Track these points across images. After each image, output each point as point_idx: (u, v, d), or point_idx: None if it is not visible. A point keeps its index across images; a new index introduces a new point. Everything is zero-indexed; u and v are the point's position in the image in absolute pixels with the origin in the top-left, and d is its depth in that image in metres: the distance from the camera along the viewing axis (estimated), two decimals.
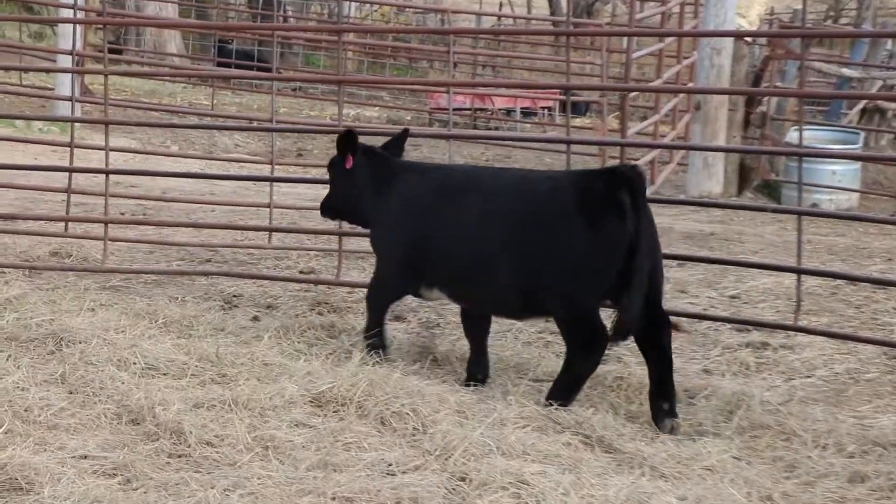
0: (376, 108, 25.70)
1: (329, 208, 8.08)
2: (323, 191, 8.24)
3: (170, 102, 24.21)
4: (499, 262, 7.08)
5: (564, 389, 6.93)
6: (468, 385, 7.29)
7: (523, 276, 7.01)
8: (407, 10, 32.05)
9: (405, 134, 8.23)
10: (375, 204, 7.71)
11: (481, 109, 24.48)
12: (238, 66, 25.59)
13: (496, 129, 23.72)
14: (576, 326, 6.92)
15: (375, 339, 7.59)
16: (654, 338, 6.87)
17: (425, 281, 7.45)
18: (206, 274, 9.93)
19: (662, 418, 6.80)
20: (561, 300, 6.92)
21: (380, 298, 7.71)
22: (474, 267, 7.20)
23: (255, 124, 16.88)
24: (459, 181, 7.52)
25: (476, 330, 7.58)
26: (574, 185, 7.02)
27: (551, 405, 6.77)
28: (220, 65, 24.99)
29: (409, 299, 8.41)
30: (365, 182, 7.77)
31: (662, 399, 6.84)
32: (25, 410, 6.22)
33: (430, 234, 7.37)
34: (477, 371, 7.49)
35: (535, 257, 6.97)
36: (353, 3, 30.62)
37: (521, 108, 24.83)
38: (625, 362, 7.89)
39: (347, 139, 7.83)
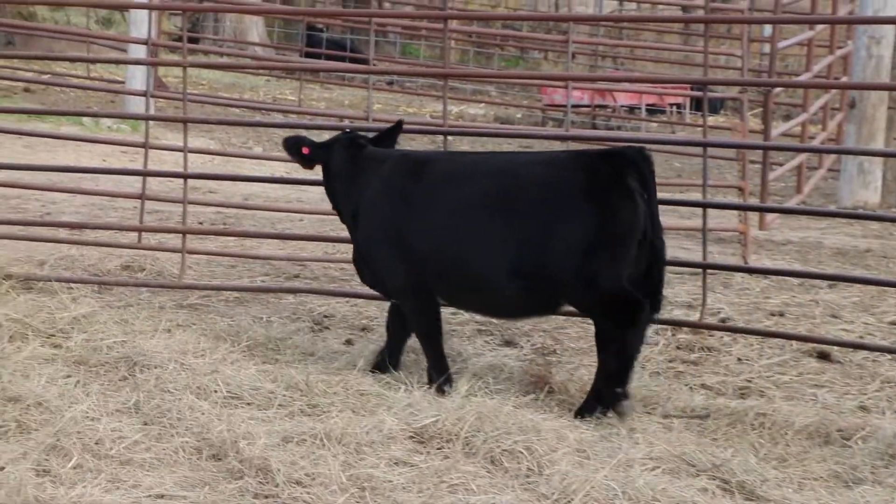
0: (482, 105, 25.75)
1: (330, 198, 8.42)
2: None
3: (252, 97, 24.51)
4: (501, 255, 7.37)
5: (618, 371, 7.28)
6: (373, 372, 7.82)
7: (533, 267, 7.33)
8: None
9: (399, 126, 8.41)
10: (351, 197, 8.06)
11: (601, 106, 24.40)
12: (329, 58, 25.76)
13: (618, 128, 23.64)
14: (610, 305, 7.27)
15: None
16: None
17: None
18: (293, 291, 10.01)
19: (619, 401, 7.23)
20: (585, 285, 7.25)
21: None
22: (472, 263, 7.47)
23: (347, 122, 17.00)
24: (451, 169, 7.80)
25: (399, 326, 8.01)
26: (581, 167, 7.41)
27: (614, 393, 7.19)
28: (308, 55, 25.21)
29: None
30: (338, 173, 8.13)
31: (620, 384, 7.28)
32: (96, 443, 6.32)
33: (421, 230, 7.64)
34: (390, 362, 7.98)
35: (546, 245, 7.27)
36: None
37: (647, 105, 24.72)
38: (768, 396, 7.82)
39: (288, 144, 8.25)
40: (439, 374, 7.70)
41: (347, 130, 8.29)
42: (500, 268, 7.39)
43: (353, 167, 8.04)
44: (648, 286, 7.37)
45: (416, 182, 7.76)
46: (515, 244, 7.38)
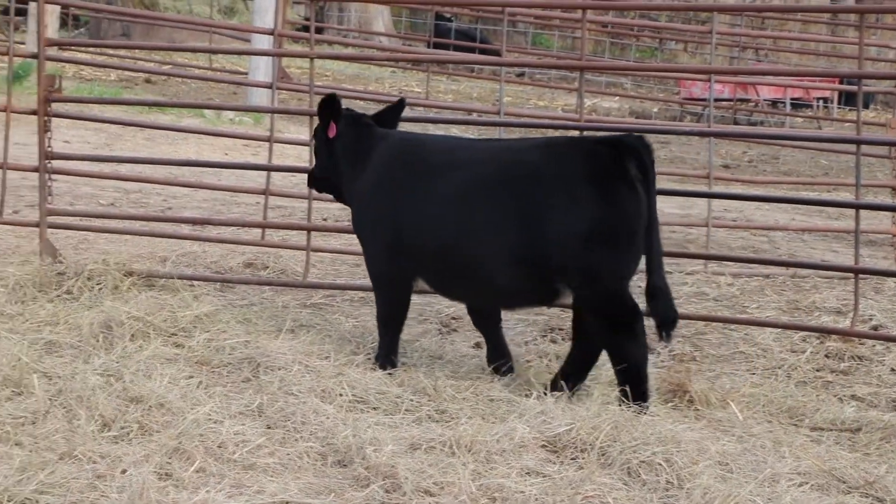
0: (616, 98, 25.62)
1: (316, 180, 8.55)
2: None
3: (377, 89, 24.63)
4: (500, 242, 7.45)
5: (637, 387, 7.28)
6: (495, 375, 7.86)
7: (533, 254, 7.38)
8: None
9: (401, 104, 8.52)
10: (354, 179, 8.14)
11: (743, 100, 24.13)
12: (457, 48, 25.79)
13: (760, 123, 23.36)
14: (607, 304, 7.30)
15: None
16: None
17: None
18: (421, 292, 10.00)
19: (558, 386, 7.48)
20: (582, 277, 7.29)
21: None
22: (470, 250, 7.54)
23: (475, 116, 17.01)
24: (456, 153, 7.83)
25: (485, 320, 8.12)
26: (582, 154, 7.47)
27: (642, 395, 7.26)
28: (436, 46, 25.28)
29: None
30: (344, 153, 8.19)
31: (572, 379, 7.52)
32: (219, 447, 6.37)
33: (414, 215, 7.74)
34: (497, 361, 7.99)
35: (548, 232, 7.34)
36: None
37: (791, 99, 24.39)
38: None
39: (329, 105, 8.23)
40: (386, 359, 7.92)
41: (347, 109, 8.33)
42: (498, 255, 7.47)
43: (361, 146, 8.15)
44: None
45: (415, 165, 7.87)
46: (514, 231, 7.43)
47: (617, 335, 7.31)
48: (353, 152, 8.14)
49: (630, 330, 7.28)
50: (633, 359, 7.28)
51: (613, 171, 7.32)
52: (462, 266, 7.61)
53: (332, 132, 8.22)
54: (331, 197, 8.69)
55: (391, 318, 8.02)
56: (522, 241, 7.39)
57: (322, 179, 8.45)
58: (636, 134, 7.77)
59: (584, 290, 7.38)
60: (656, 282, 7.30)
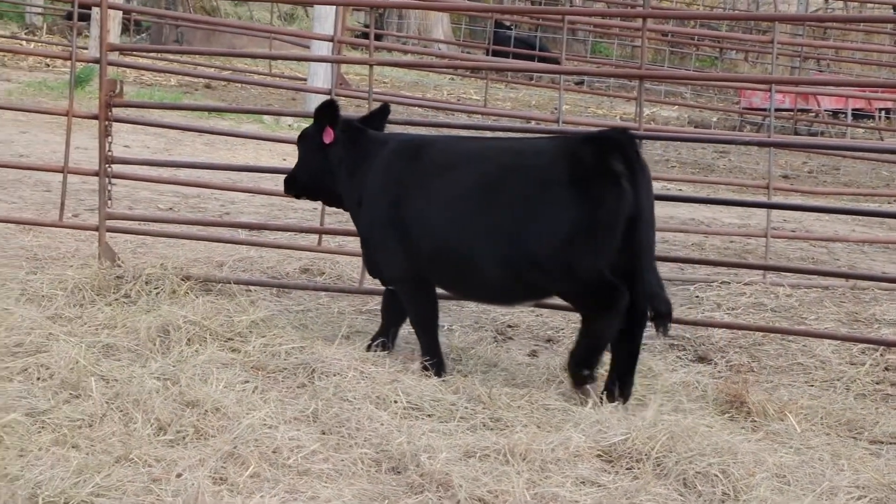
0: (675, 108, 25.53)
1: (296, 184, 8.59)
2: None
3: (435, 96, 24.67)
4: (486, 239, 7.64)
5: (587, 352, 7.54)
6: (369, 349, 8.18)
7: (517, 252, 7.56)
8: None
9: (386, 108, 8.64)
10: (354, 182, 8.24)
11: (803, 110, 23.97)
12: (516, 56, 25.77)
13: (821, 133, 23.20)
14: (588, 294, 7.47)
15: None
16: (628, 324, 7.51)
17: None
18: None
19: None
20: (560, 275, 7.47)
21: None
22: (464, 250, 7.71)
23: (533, 124, 16.99)
24: (446, 154, 8.00)
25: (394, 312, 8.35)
26: (563, 154, 7.59)
27: (579, 374, 7.52)
28: (495, 53, 25.28)
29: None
30: (344, 158, 8.27)
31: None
32: (274, 452, 6.38)
33: (413, 213, 7.88)
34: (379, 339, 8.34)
35: (528, 230, 7.52)
36: None
37: (853, 110, 24.21)
38: None
39: (328, 110, 8.32)
40: (433, 360, 7.93)
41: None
42: (488, 254, 7.64)
43: (362, 150, 8.24)
44: (633, 273, 7.48)
45: (413, 167, 8.00)
46: (501, 230, 7.61)
47: (596, 310, 7.47)
48: (354, 157, 8.26)
49: (608, 308, 7.42)
50: (599, 335, 7.51)
51: (595, 169, 7.47)
52: (460, 264, 7.78)
53: (329, 137, 8.31)
54: None
55: (425, 318, 8.10)
56: (510, 239, 7.57)
57: (309, 185, 8.53)
58: (621, 128, 8.02)
59: (563, 288, 7.61)
60: (646, 276, 7.48)
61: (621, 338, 7.55)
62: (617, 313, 7.41)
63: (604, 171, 7.44)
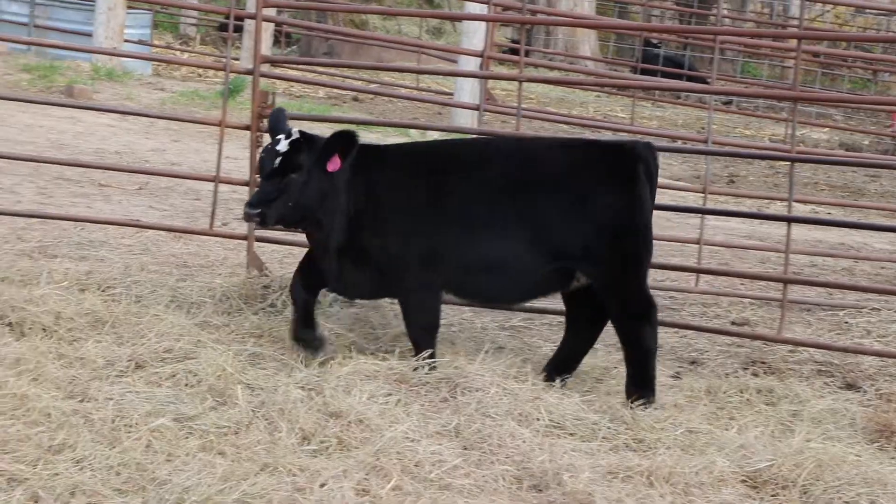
0: (825, 130, 25.16)
1: (275, 215, 7.94)
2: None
3: (580, 113, 24.60)
4: (523, 242, 7.89)
5: (644, 377, 7.82)
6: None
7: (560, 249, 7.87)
8: (867, 11, 31.26)
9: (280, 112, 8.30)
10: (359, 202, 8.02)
11: None
12: (664, 75, 25.61)
13: None
14: (631, 297, 7.86)
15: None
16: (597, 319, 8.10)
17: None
18: None
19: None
20: (609, 269, 7.85)
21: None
22: (501, 250, 7.89)
23: (680, 144, 16.87)
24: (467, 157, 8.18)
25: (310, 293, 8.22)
26: (600, 155, 8.09)
27: (641, 402, 7.61)
28: (643, 71, 25.15)
29: None
30: (350, 182, 8.02)
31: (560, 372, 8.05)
32: (416, 465, 6.40)
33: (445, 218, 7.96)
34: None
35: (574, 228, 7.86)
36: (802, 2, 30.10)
37: None
38: None
39: (348, 141, 7.95)
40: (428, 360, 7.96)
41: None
42: (527, 252, 7.88)
43: (365, 170, 8.07)
44: None
45: (437, 173, 8.05)
46: (543, 228, 7.88)
47: (635, 322, 7.83)
48: (363, 176, 8.04)
49: (647, 318, 7.85)
50: (646, 345, 7.84)
51: (633, 171, 7.90)
52: (492, 264, 7.92)
53: (336, 166, 7.94)
54: None
55: (432, 327, 8.11)
56: (551, 237, 7.86)
57: (298, 213, 7.98)
58: (644, 142, 8.17)
59: (607, 279, 7.91)
60: None
61: (580, 333, 8.21)
62: (655, 328, 7.94)
63: (638, 175, 7.90)
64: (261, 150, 8.22)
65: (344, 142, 7.96)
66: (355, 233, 8.03)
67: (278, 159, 7.91)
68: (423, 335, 8.07)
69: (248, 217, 7.90)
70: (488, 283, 8.06)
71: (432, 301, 8.10)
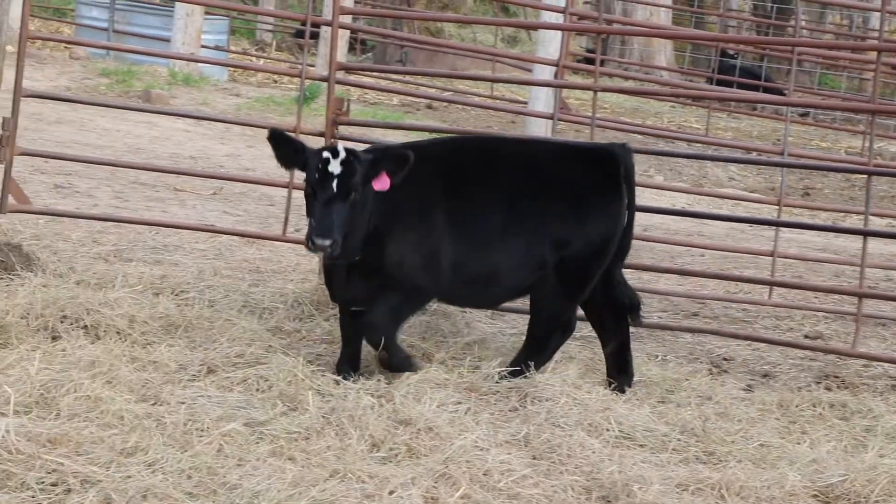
0: None
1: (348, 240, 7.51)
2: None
3: (654, 124, 24.50)
4: (516, 246, 7.91)
5: (538, 357, 8.02)
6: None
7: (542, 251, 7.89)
8: None
9: None
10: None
11: None
12: (740, 86, 25.45)
13: None
14: (569, 303, 8.09)
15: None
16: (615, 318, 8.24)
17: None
18: (692, 330, 9.93)
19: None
20: (572, 276, 7.96)
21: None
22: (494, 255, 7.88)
23: (755, 155, 16.77)
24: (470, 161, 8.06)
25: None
26: (580, 159, 8.19)
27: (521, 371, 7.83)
28: (718, 82, 25.03)
29: None
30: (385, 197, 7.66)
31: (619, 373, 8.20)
32: (484, 474, 6.40)
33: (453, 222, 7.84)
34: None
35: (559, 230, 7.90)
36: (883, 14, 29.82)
37: None
38: None
39: (404, 163, 7.54)
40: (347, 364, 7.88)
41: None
42: (513, 256, 7.90)
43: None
44: (612, 271, 8.18)
45: (447, 177, 7.95)
46: (528, 232, 7.91)
47: (560, 327, 8.12)
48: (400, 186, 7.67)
49: (568, 328, 8.22)
50: (556, 344, 8.20)
51: (613, 176, 8.02)
52: (486, 272, 7.92)
53: (384, 185, 7.50)
54: None
55: (401, 322, 7.99)
56: (533, 240, 7.88)
57: (355, 238, 7.59)
58: (620, 143, 8.26)
59: (563, 287, 8.01)
60: (618, 275, 8.26)
61: (610, 334, 8.24)
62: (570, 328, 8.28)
63: (617, 180, 8.03)
64: (307, 168, 7.51)
65: (397, 163, 7.54)
66: (373, 245, 7.70)
67: (334, 182, 7.36)
68: (392, 324, 7.84)
69: (320, 248, 7.35)
70: (482, 290, 8.08)
71: (419, 305, 8.09)
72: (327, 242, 7.29)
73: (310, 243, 7.39)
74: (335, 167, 7.38)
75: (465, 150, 8.37)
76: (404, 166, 7.53)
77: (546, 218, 7.93)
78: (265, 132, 7.86)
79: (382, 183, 7.52)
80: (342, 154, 7.43)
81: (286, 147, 7.65)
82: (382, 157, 7.57)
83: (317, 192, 7.39)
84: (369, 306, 7.76)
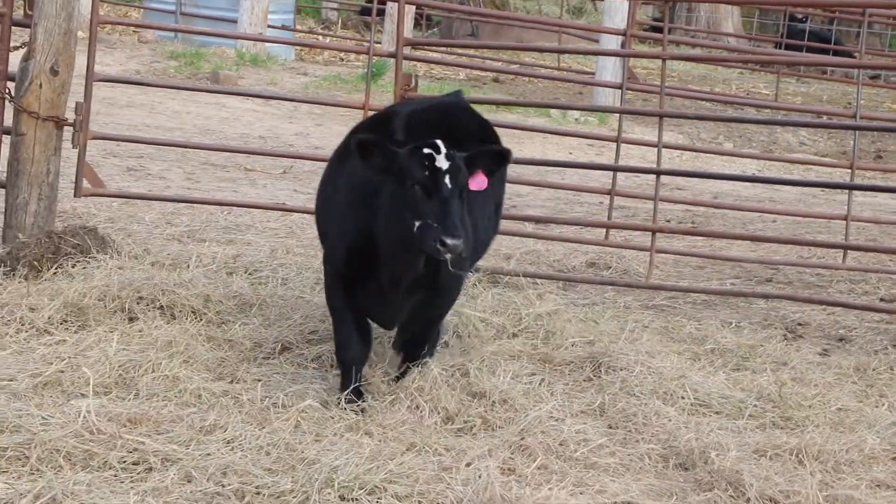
0: None
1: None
2: None
3: (723, 91, 24.35)
4: None
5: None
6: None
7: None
8: None
9: None
10: None
11: None
12: (809, 50, 25.22)
13: None
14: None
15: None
16: None
17: None
18: (765, 296, 9.86)
19: None
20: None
21: None
22: None
23: (826, 119, 16.62)
24: None
25: None
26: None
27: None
28: (787, 47, 24.80)
29: None
30: None
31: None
32: (560, 444, 6.40)
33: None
34: None
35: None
36: None
37: None
38: None
39: (501, 159, 6.93)
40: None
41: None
42: None
43: None
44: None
45: None
46: None
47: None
48: None
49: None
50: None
51: None
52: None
53: (482, 184, 6.77)
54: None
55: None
56: None
57: None
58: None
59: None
60: None
61: None
62: None
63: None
64: (410, 169, 6.65)
65: (498, 159, 6.93)
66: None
67: (446, 177, 6.56)
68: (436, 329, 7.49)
69: (452, 250, 6.42)
70: None
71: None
72: (459, 241, 6.41)
73: (439, 245, 6.43)
74: (442, 162, 6.60)
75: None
76: (503, 164, 6.99)
77: None
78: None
79: (479, 182, 6.77)
80: (443, 148, 6.65)
81: (378, 155, 6.73)
82: (479, 154, 6.82)
83: (430, 191, 6.57)
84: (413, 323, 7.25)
